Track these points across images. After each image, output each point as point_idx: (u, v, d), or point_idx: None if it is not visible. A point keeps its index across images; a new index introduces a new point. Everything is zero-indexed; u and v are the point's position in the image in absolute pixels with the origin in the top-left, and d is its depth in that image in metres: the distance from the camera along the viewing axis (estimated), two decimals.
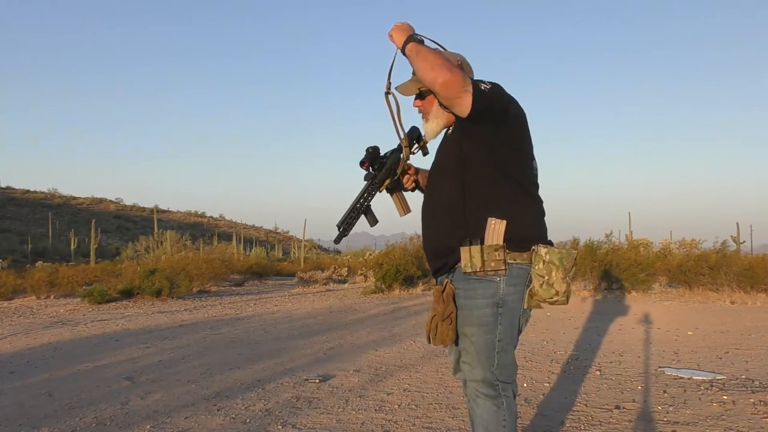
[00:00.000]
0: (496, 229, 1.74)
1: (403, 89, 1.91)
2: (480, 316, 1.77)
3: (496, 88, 1.77)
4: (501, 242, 1.74)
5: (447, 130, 1.94)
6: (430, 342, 1.81)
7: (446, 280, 1.81)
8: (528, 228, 1.80)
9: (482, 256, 1.72)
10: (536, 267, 1.75)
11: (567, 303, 1.77)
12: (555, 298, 1.74)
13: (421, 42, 1.81)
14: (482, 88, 1.73)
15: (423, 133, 1.99)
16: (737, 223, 16.78)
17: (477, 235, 1.75)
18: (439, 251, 1.88)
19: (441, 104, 1.87)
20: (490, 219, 1.75)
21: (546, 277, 1.73)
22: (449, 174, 1.84)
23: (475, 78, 1.92)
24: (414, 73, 1.91)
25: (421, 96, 1.95)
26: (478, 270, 1.73)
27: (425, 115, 1.94)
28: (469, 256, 1.74)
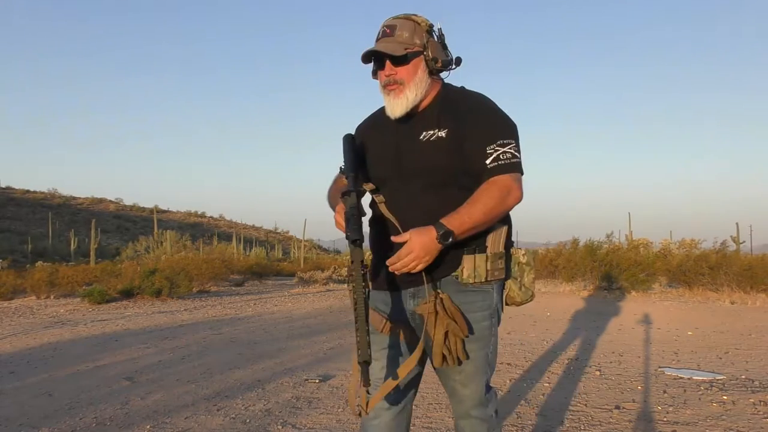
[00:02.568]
0: (498, 235, 1.61)
1: (391, 47, 1.58)
2: (479, 330, 1.61)
3: (518, 141, 1.61)
4: (502, 249, 1.62)
5: (416, 111, 1.64)
6: (442, 365, 1.55)
7: (435, 293, 1.56)
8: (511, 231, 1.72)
9: (486, 266, 1.58)
10: (513, 270, 1.68)
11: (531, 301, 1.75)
12: (529, 300, 1.71)
13: (451, 233, 1.48)
14: (522, 169, 1.60)
15: (389, 110, 1.63)
16: (737, 223, 16.80)
17: (482, 243, 1.60)
18: (436, 262, 1.57)
19: (430, 71, 1.62)
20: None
21: (520, 279, 1.69)
22: (445, 179, 1.60)
23: (450, 55, 1.67)
24: (398, 30, 1.59)
25: (404, 60, 1.59)
26: (483, 280, 1.58)
27: (398, 87, 1.60)
28: (474, 266, 1.57)
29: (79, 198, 58.25)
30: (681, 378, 3.97)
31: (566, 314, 7.74)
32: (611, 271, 10.82)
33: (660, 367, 4.34)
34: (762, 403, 3.30)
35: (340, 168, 1.77)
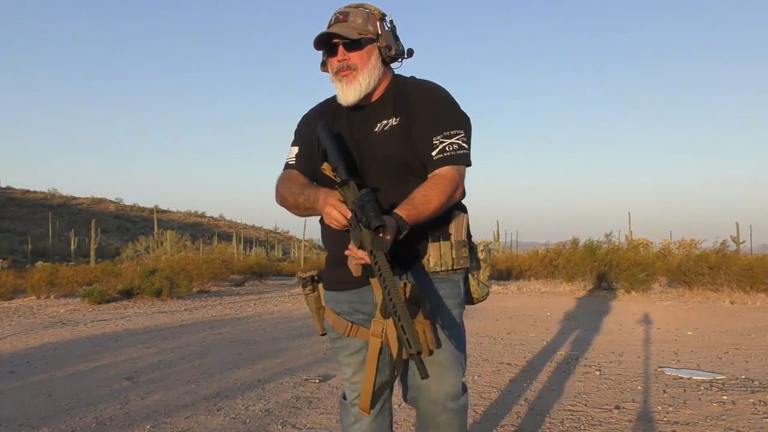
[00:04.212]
0: (461, 222, 1.60)
1: (344, 31, 1.55)
2: (450, 318, 1.58)
3: (468, 132, 1.61)
4: (465, 237, 1.61)
5: (369, 101, 1.63)
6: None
7: (402, 282, 1.48)
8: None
9: (452, 253, 1.56)
10: (473, 263, 1.68)
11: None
12: (485, 297, 1.70)
13: (407, 224, 1.40)
14: (469, 161, 1.58)
15: (341, 97, 1.59)
16: (737, 223, 16.79)
17: (446, 230, 1.58)
18: (401, 251, 1.52)
19: (384, 60, 1.61)
20: (454, 212, 1.60)
21: (477, 275, 1.68)
22: (403, 169, 1.57)
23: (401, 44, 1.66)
24: (351, 16, 1.58)
25: (358, 45, 1.56)
26: (450, 268, 1.56)
27: (351, 72, 1.56)
28: (440, 254, 1.56)
29: (79, 198, 58.24)
30: (681, 378, 3.97)
31: (566, 314, 7.74)
32: (611, 271, 10.82)
33: (660, 367, 4.34)
34: (762, 403, 3.30)
35: (287, 163, 1.70)
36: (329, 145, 1.54)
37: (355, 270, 1.44)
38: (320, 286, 1.73)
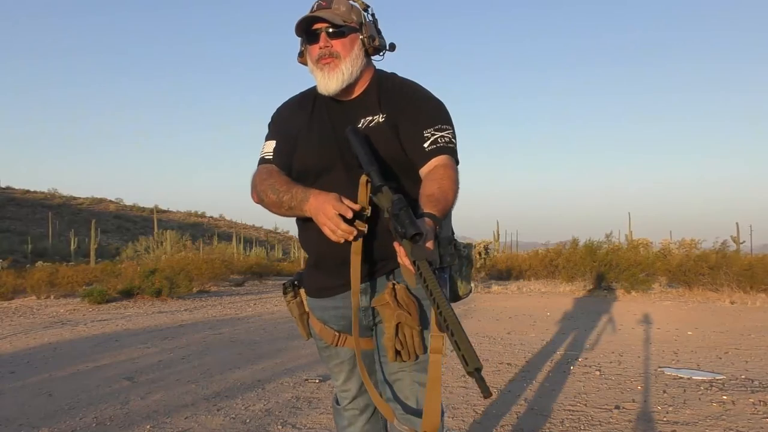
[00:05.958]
0: (447, 219, 1.55)
1: (328, 16, 1.49)
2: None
3: (455, 132, 1.57)
4: (451, 234, 1.56)
5: (351, 96, 1.58)
6: (395, 359, 1.41)
7: (390, 283, 1.44)
8: None
9: (439, 250, 1.46)
10: (456, 263, 1.64)
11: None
12: (468, 294, 1.66)
13: (438, 225, 1.36)
14: (458, 157, 1.54)
15: (322, 86, 1.53)
16: (737, 223, 16.77)
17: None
18: (389, 251, 1.40)
19: (366, 52, 1.56)
20: None
21: (459, 272, 1.63)
22: (394, 163, 1.52)
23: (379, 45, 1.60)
24: (334, 3, 1.53)
25: (341, 33, 1.51)
26: (437, 266, 1.44)
27: (333, 60, 1.51)
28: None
29: (79, 198, 58.22)
30: (681, 378, 3.97)
31: (566, 314, 7.74)
32: (611, 271, 10.83)
33: (660, 367, 4.34)
34: (762, 403, 3.30)
35: (264, 158, 1.60)
36: (360, 149, 1.45)
37: (411, 281, 1.35)
38: (302, 291, 1.67)
